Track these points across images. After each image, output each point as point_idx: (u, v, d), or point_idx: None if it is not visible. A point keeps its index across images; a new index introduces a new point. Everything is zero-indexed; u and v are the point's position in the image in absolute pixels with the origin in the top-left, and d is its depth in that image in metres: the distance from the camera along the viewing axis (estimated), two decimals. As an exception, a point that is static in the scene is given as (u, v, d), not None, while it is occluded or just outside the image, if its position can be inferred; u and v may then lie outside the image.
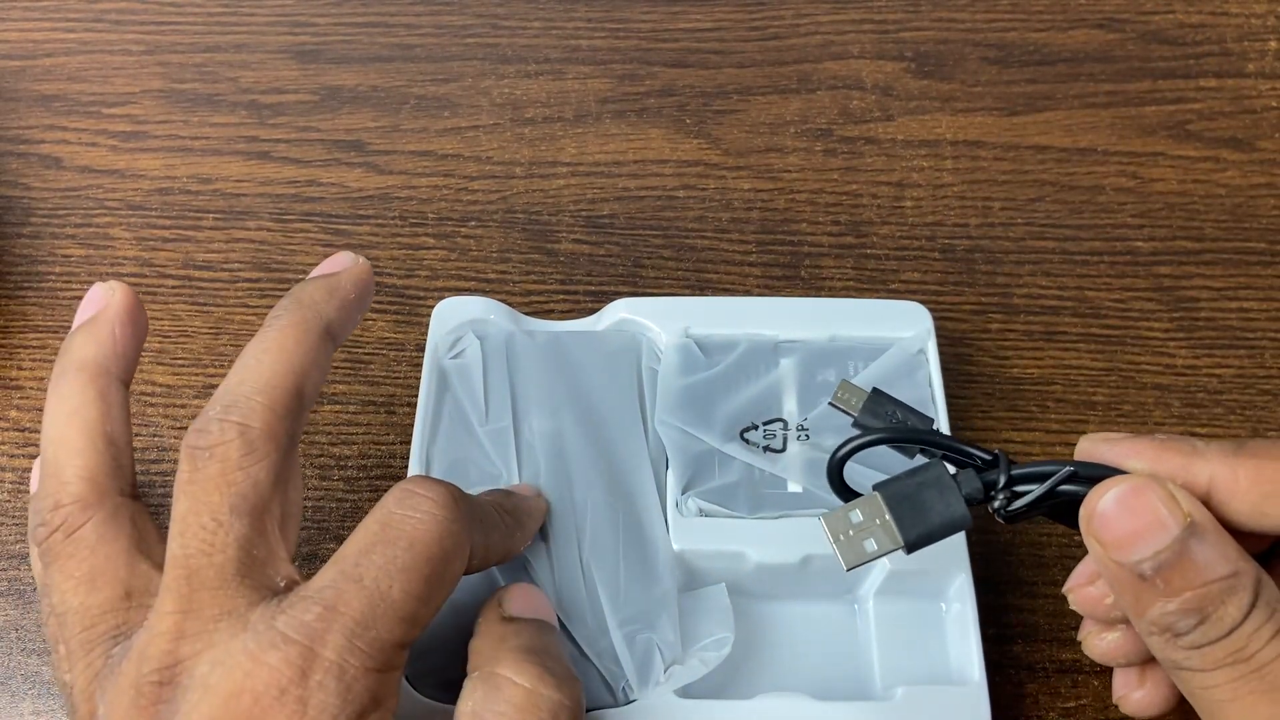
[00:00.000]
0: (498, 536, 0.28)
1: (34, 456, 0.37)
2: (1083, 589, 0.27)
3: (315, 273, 0.29)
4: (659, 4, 0.48)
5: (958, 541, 0.31)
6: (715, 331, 0.35)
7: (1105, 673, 0.32)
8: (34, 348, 0.39)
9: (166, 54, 0.46)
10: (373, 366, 0.39)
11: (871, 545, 0.26)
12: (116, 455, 0.27)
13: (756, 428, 0.33)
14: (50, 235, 0.42)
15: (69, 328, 0.39)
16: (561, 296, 0.40)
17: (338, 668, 0.23)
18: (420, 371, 0.36)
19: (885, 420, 0.30)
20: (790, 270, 0.40)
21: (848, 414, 0.30)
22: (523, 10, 0.47)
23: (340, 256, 0.29)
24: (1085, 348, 0.38)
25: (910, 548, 0.25)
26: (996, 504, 0.25)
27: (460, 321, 0.36)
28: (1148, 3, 0.47)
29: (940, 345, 0.35)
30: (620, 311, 0.36)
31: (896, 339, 0.35)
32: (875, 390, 0.30)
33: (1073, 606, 0.27)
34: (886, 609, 0.32)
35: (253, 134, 0.44)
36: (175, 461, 0.37)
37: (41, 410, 0.38)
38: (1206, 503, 0.23)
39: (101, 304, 0.29)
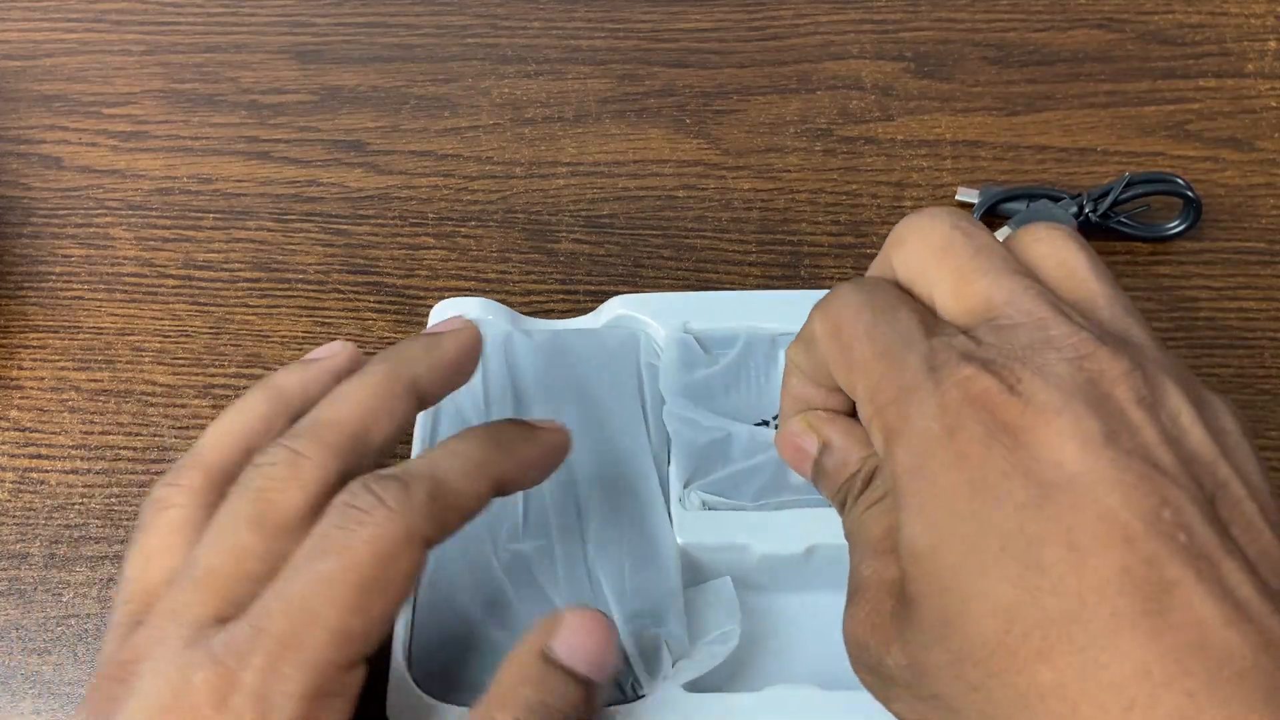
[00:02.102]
0: (468, 483, 0.26)
1: (34, 456, 0.37)
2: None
3: (427, 330, 0.30)
4: (659, 4, 0.48)
5: None
6: (713, 326, 0.35)
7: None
8: (34, 348, 0.39)
9: (167, 54, 0.46)
10: (373, 366, 0.39)
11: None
12: (239, 468, 0.27)
13: (767, 424, 0.33)
14: (51, 235, 0.42)
15: (69, 327, 0.39)
16: (561, 296, 0.40)
17: (256, 694, 0.22)
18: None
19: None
20: (790, 270, 0.40)
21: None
22: (523, 10, 0.47)
23: (453, 319, 0.30)
24: (1085, 347, 0.38)
25: None
26: (1088, 209, 0.40)
27: None
28: (1147, 3, 0.47)
29: (940, 345, 0.35)
30: (617, 308, 0.36)
31: None
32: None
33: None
34: None
35: (253, 134, 0.44)
36: (175, 461, 0.37)
37: (41, 410, 0.38)
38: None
39: (325, 355, 0.30)
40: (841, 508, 0.27)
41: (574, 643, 0.25)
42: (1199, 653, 0.18)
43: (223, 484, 0.27)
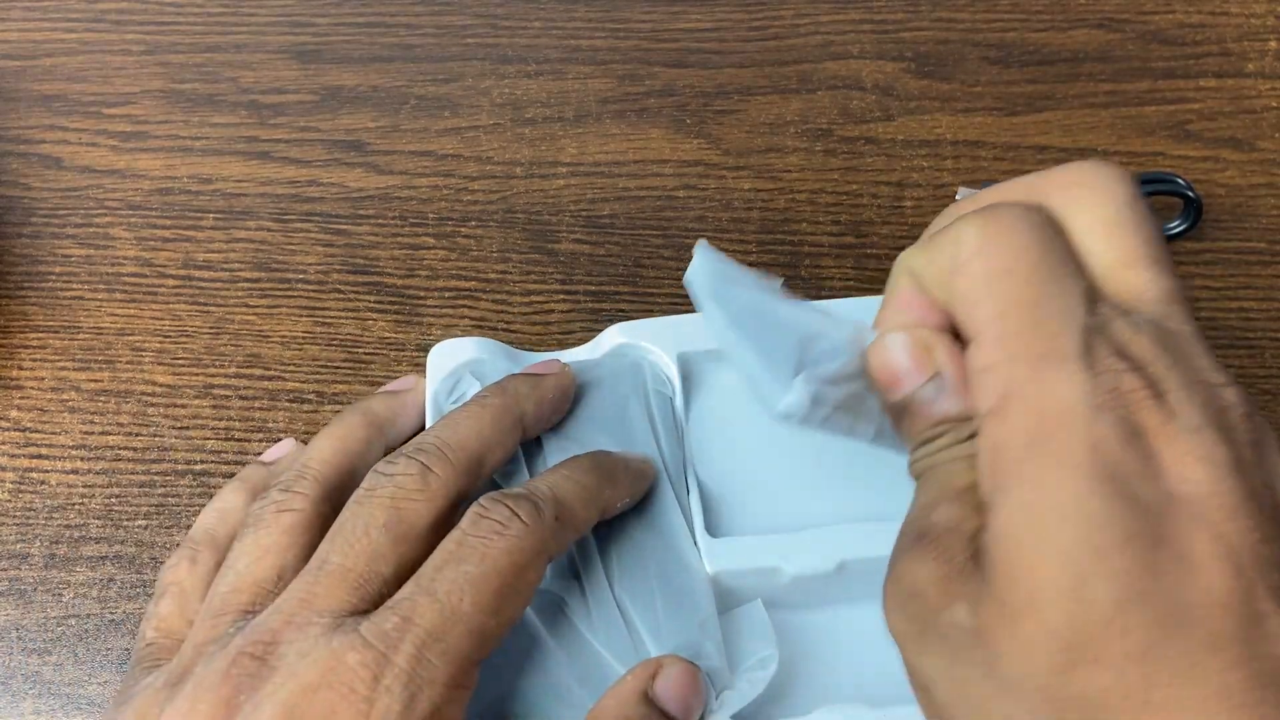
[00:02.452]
0: (580, 511, 0.29)
1: (34, 456, 0.37)
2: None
3: (525, 370, 0.33)
4: (659, 4, 0.48)
5: None
6: (714, 345, 0.34)
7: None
8: (34, 348, 0.39)
9: (167, 54, 0.46)
10: (373, 366, 0.39)
11: None
12: (345, 481, 0.30)
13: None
14: (51, 235, 0.42)
15: (69, 327, 0.39)
16: (561, 296, 0.40)
17: (406, 675, 0.24)
18: (418, 370, 0.36)
19: None
20: (790, 270, 0.40)
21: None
22: (523, 10, 0.47)
23: (550, 362, 0.33)
24: (1085, 347, 0.38)
25: None
26: None
27: (456, 364, 0.34)
28: (1147, 3, 0.47)
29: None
30: (616, 337, 0.35)
31: None
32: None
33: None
34: None
35: (253, 134, 0.44)
36: (176, 461, 0.37)
37: (41, 410, 0.38)
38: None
39: (406, 388, 0.35)
40: (921, 443, 0.25)
41: (674, 688, 0.27)
42: (1276, 682, 0.19)
43: (331, 496, 0.29)
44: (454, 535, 0.26)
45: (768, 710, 0.29)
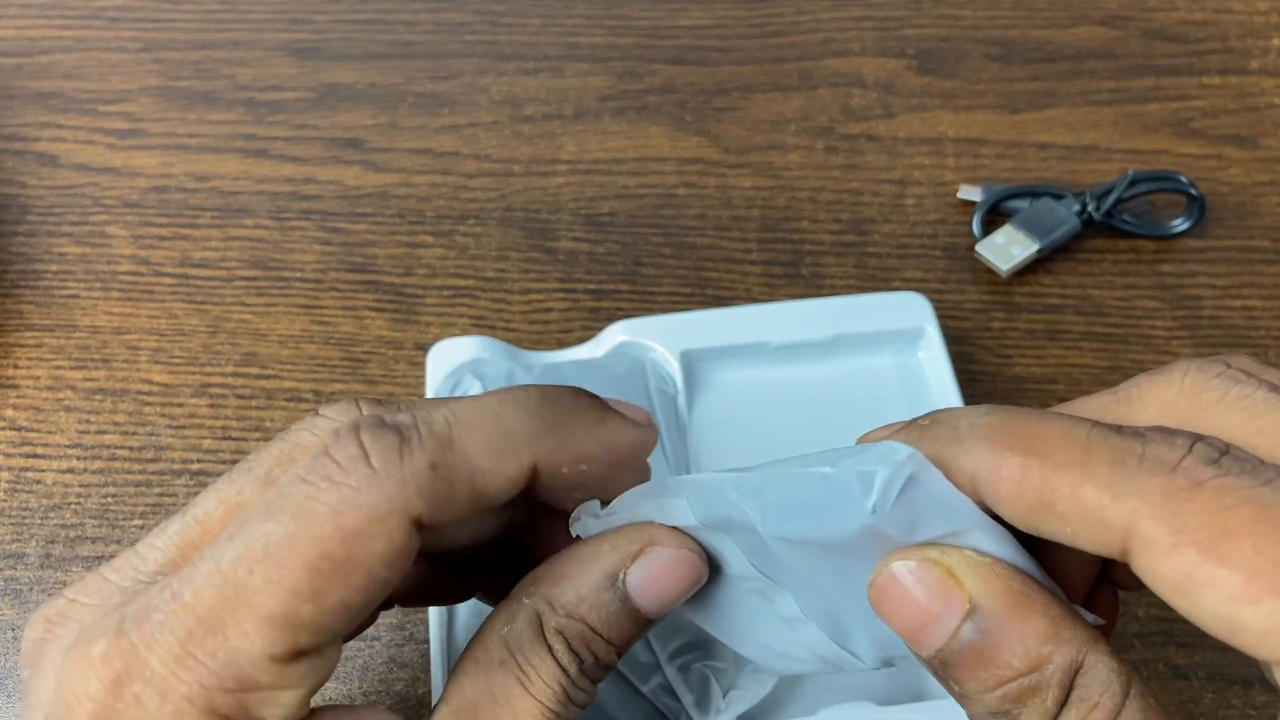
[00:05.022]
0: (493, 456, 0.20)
1: (30, 456, 0.37)
2: None
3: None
4: (659, 1, 0.47)
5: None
6: (716, 344, 0.34)
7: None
8: (30, 346, 0.39)
9: (163, 51, 0.46)
10: (370, 365, 0.38)
11: (1017, 250, 0.38)
12: None
13: None
14: (46, 233, 0.41)
15: (65, 326, 0.39)
16: (561, 295, 0.40)
17: (161, 680, 0.18)
18: (417, 370, 0.36)
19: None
20: (791, 268, 0.40)
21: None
22: (522, 7, 0.47)
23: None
24: (1088, 346, 0.38)
25: (1042, 248, 0.38)
26: (1091, 207, 0.39)
27: (457, 364, 0.34)
28: (1150, 0, 0.47)
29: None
30: (619, 335, 0.35)
31: (899, 330, 0.35)
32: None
33: None
34: None
35: (250, 131, 0.44)
36: (172, 460, 0.37)
37: (37, 409, 0.38)
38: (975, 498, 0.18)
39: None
40: None
41: (654, 583, 0.21)
42: None
43: None
44: (283, 477, 0.19)
45: (774, 710, 0.29)
